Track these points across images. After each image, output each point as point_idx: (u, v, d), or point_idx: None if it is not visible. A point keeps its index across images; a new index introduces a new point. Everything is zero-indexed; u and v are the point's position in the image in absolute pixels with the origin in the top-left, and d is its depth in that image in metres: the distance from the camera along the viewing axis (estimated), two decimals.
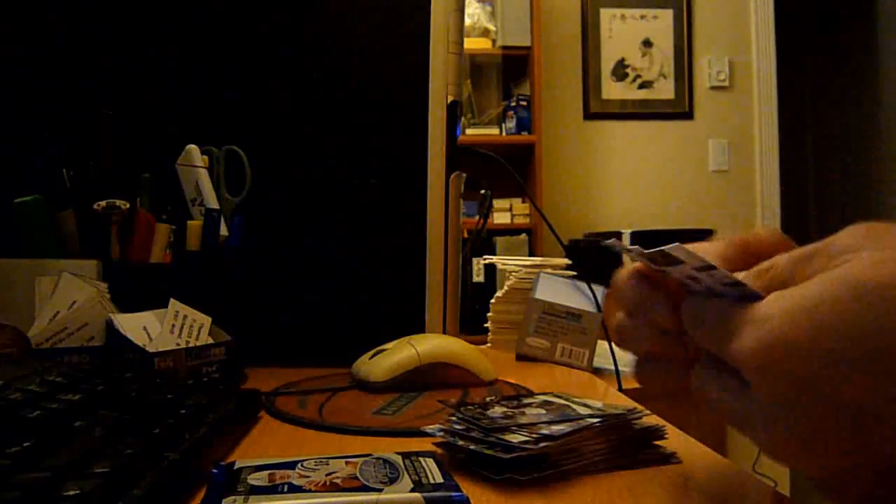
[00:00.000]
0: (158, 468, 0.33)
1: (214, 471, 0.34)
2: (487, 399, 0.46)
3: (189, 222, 0.71)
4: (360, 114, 0.79)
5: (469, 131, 2.79)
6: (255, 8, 0.80)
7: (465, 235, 0.89)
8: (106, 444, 0.34)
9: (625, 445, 0.42)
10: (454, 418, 0.41)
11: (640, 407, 0.45)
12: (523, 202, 2.80)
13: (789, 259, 0.29)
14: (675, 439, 0.48)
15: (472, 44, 2.77)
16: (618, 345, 0.37)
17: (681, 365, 0.33)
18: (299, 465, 0.35)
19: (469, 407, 0.43)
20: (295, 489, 0.32)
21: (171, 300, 0.63)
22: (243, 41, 0.80)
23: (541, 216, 1.09)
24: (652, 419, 0.45)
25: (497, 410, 0.42)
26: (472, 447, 0.38)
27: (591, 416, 0.42)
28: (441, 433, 0.41)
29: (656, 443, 0.43)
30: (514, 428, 0.39)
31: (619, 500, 0.36)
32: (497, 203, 2.77)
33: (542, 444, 0.37)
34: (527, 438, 0.37)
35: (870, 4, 3.41)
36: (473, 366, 0.65)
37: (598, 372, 0.84)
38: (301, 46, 0.80)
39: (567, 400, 0.47)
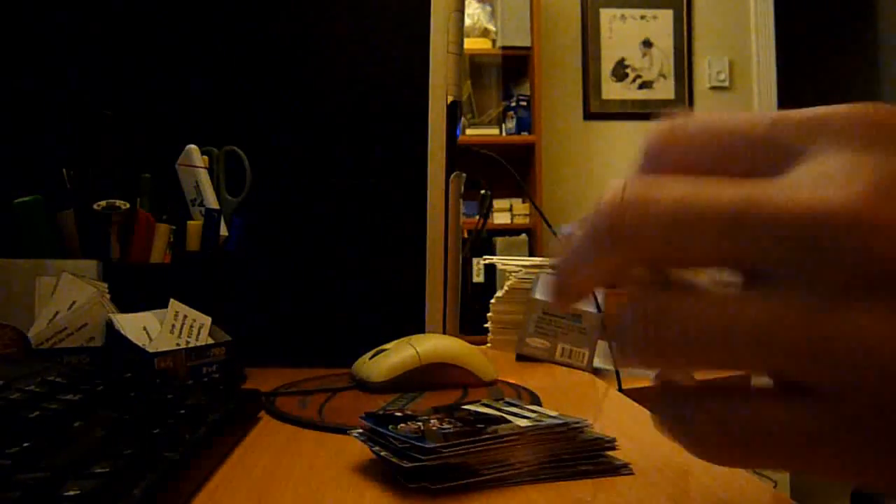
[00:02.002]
0: (158, 468, 0.33)
1: None
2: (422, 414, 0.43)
3: (189, 222, 0.71)
4: (360, 114, 0.79)
5: (469, 131, 2.79)
6: (255, 8, 0.80)
7: (465, 235, 0.89)
8: (106, 444, 0.34)
9: (563, 456, 0.40)
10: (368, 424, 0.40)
11: (585, 419, 0.42)
12: (523, 202, 2.80)
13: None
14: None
15: (472, 44, 2.77)
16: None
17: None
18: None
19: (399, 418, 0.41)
20: None
21: (171, 300, 0.63)
22: (243, 41, 0.80)
23: (541, 216, 1.09)
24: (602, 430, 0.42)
25: (412, 426, 0.40)
26: (382, 454, 0.38)
27: (518, 426, 0.40)
28: (362, 437, 0.40)
29: (608, 454, 0.41)
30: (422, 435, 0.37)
31: None
32: (497, 203, 2.77)
33: (434, 455, 0.36)
34: (433, 446, 0.36)
35: (870, 4, 3.41)
36: (473, 366, 0.65)
37: (598, 372, 0.84)
38: (301, 46, 0.80)
39: (510, 406, 0.45)
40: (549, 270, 0.21)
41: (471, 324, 0.96)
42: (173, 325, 0.62)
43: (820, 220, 0.17)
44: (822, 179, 0.17)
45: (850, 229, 0.17)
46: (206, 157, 0.75)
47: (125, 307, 0.63)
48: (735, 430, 0.19)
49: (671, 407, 0.20)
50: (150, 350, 0.57)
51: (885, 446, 0.17)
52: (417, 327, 0.76)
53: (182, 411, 0.42)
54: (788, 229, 0.17)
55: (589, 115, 3.09)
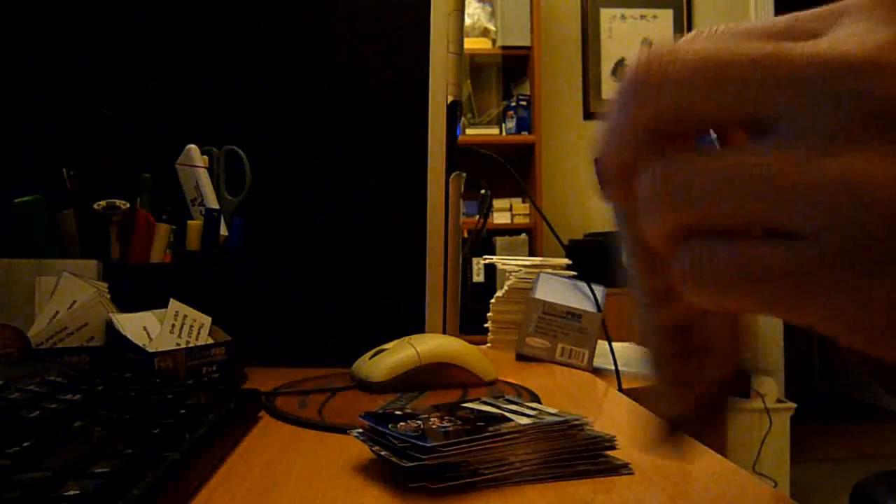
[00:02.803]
0: (158, 468, 0.33)
1: None
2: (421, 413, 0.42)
3: (189, 222, 0.71)
4: (360, 114, 0.79)
5: (469, 131, 2.79)
6: (255, 8, 0.80)
7: (465, 235, 0.89)
8: (106, 444, 0.34)
9: (563, 455, 0.40)
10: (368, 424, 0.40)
11: (585, 417, 0.42)
12: (523, 202, 2.80)
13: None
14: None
15: (472, 44, 2.77)
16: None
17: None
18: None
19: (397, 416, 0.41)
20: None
21: (171, 300, 0.63)
22: (243, 41, 0.80)
23: (541, 216, 1.09)
24: (604, 429, 0.42)
25: (412, 424, 0.39)
26: (382, 453, 0.38)
27: (520, 424, 0.39)
28: (362, 437, 0.40)
29: (608, 453, 0.41)
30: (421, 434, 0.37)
31: None
32: (497, 203, 2.77)
33: (434, 454, 0.35)
34: (433, 444, 0.36)
35: None
36: (473, 366, 0.65)
37: (598, 372, 0.84)
38: (301, 46, 0.80)
39: (510, 404, 0.45)
40: (592, 148, 0.22)
41: (471, 324, 0.96)
42: (173, 325, 0.62)
43: (836, 66, 0.18)
44: (843, 37, 0.18)
45: (861, 71, 0.17)
46: (206, 157, 0.75)
47: (125, 307, 0.63)
48: (719, 266, 0.19)
49: (683, 254, 0.21)
50: (150, 350, 0.57)
51: (860, 288, 0.18)
52: (417, 327, 0.76)
53: (182, 411, 0.42)
54: (806, 75, 0.18)
55: (589, 115, 3.09)
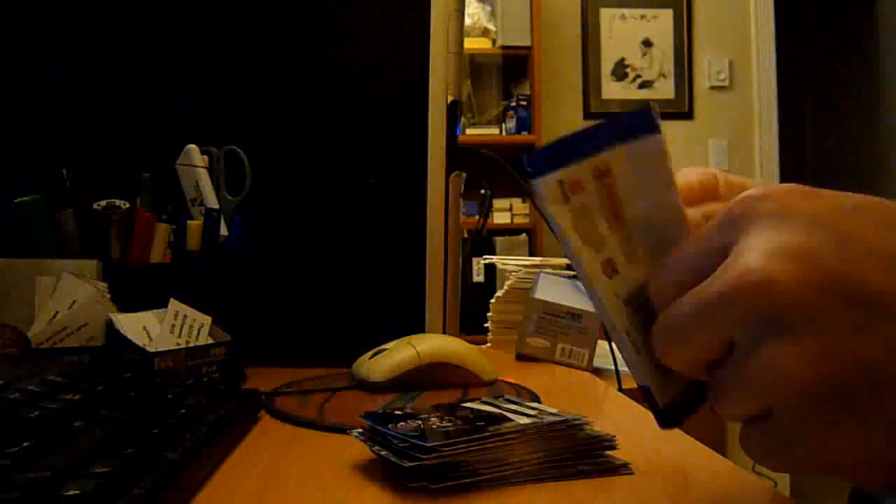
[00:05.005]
0: (158, 468, 0.33)
1: None
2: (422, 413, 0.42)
3: (189, 222, 0.71)
4: (360, 113, 0.79)
5: (469, 131, 2.79)
6: (255, 8, 0.80)
7: (465, 235, 0.89)
8: (106, 444, 0.34)
9: (563, 455, 0.40)
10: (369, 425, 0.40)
11: (585, 417, 0.41)
12: (523, 202, 2.80)
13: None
14: (675, 439, 0.48)
15: (472, 44, 2.77)
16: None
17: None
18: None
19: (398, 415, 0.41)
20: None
21: (171, 300, 0.63)
22: (243, 41, 0.80)
23: (541, 216, 1.09)
24: (603, 428, 0.42)
25: (412, 424, 0.39)
26: (382, 453, 0.37)
27: (520, 424, 0.39)
28: (362, 437, 0.40)
29: (608, 453, 0.41)
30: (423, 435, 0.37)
31: None
32: (497, 203, 2.77)
33: (434, 454, 0.35)
34: (433, 444, 0.36)
35: (870, 4, 3.41)
36: (473, 366, 0.65)
37: (598, 372, 0.84)
38: (301, 46, 0.80)
39: (510, 404, 0.44)
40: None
41: (471, 324, 0.96)
42: (173, 325, 0.62)
43: (736, 289, 0.24)
44: (736, 257, 0.25)
45: (751, 290, 0.24)
46: (206, 157, 0.75)
47: (125, 307, 0.63)
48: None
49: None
50: (150, 350, 0.57)
51: (823, 455, 0.24)
52: (417, 327, 0.76)
53: (182, 411, 0.42)
54: (730, 301, 0.25)
55: (589, 115, 3.08)
